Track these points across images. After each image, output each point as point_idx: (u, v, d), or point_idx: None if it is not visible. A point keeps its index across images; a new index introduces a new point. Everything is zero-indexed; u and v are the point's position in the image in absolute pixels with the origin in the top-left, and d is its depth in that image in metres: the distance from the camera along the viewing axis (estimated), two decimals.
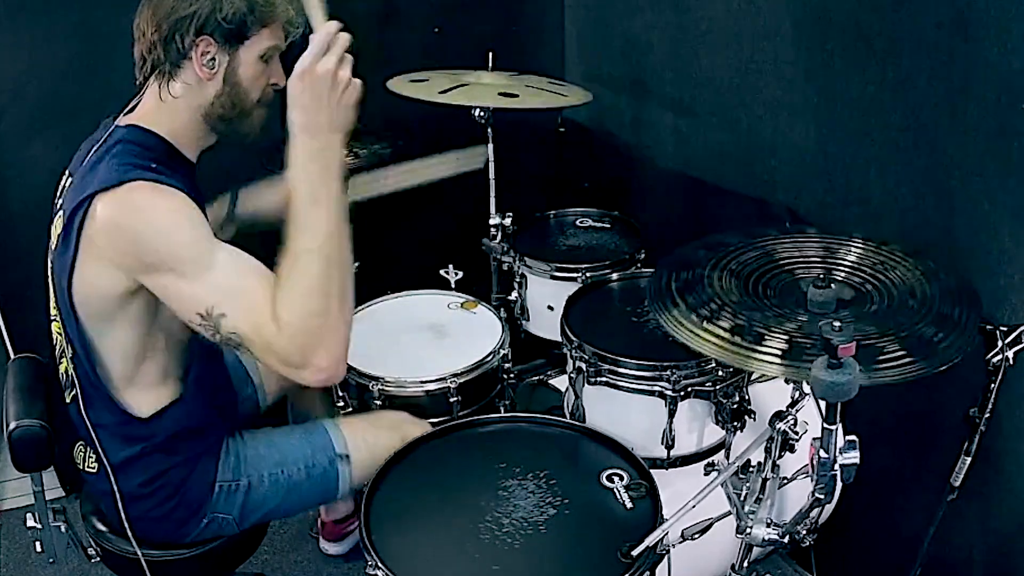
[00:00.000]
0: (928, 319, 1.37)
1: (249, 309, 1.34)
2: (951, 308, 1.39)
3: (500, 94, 2.16)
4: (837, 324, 1.11)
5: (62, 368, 1.56)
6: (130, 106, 1.53)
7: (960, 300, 1.41)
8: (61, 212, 1.44)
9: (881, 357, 1.28)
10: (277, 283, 1.34)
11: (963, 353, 1.30)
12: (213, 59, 1.45)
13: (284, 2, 1.49)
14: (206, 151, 1.58)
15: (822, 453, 1.21)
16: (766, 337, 1.33)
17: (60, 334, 1.52)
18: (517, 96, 2.17)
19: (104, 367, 1.49)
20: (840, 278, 1.49)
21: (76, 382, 1.51)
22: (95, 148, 1.47)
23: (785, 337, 1.33)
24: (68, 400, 1.57)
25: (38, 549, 1.62)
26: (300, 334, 1.32)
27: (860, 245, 1.57)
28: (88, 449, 1.57)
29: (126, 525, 1.56)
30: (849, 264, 1.53)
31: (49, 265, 1.51)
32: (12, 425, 1.51)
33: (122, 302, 1.42)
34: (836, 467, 1.22)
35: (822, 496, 1.26)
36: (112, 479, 1.54)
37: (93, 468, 1.58)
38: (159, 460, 1.56)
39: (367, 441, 1.73)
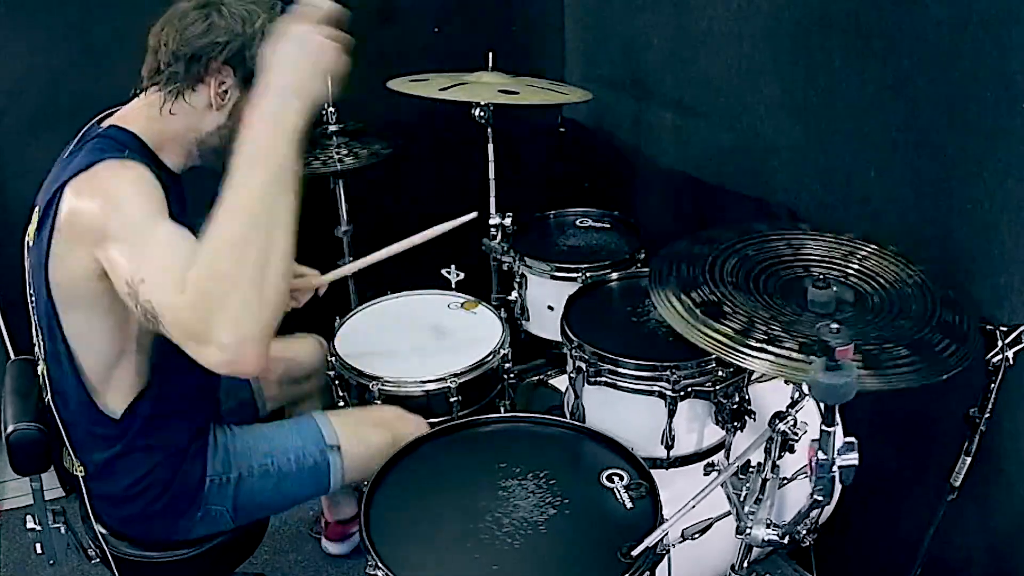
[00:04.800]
0: (937, 311, 1.40)
1: (162, 272, 1.27)
2: (950, 300, 1.42)
3: (500, 91, 2.16)
4: (835, 326, 1.11)
5: (40, 370, 1.56)
6: (118, 110, 1.54)
7: (949, 285, 1.46)
8: (37, 207, 1.45)
9: (937, 348, 1.30)
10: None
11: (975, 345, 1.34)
12: (227, 91, 1.47)
13: None
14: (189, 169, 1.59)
15: (821, 455, 1.21)
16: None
17: (39, 339, 1.52)
18: (517, 93, 2.17)
19: (80, 368, 1.48)
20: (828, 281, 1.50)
21: (52, 382, 1.51)
22: (70, 147, 1.48)
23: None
24: (48, 402, 1.57)
25: (38, 551, 1.62)
26: (202, 297, 1.21)
27: (820, 239, 1.58)
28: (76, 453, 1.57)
29: (97, 520, 1.56)
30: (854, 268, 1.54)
31: (27, 267, 1.51)
32: (9, 428, 1.51)
33: (95, 291, 1.40)
34: (835, 469, 1.22)
35: (821, 498, 1.26)
36: (82, 482, 1.54)
37: (81, 472, 1.58)
38: (141, 460, 1.56)
39: (359, 435, 1.73)
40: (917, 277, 1.49)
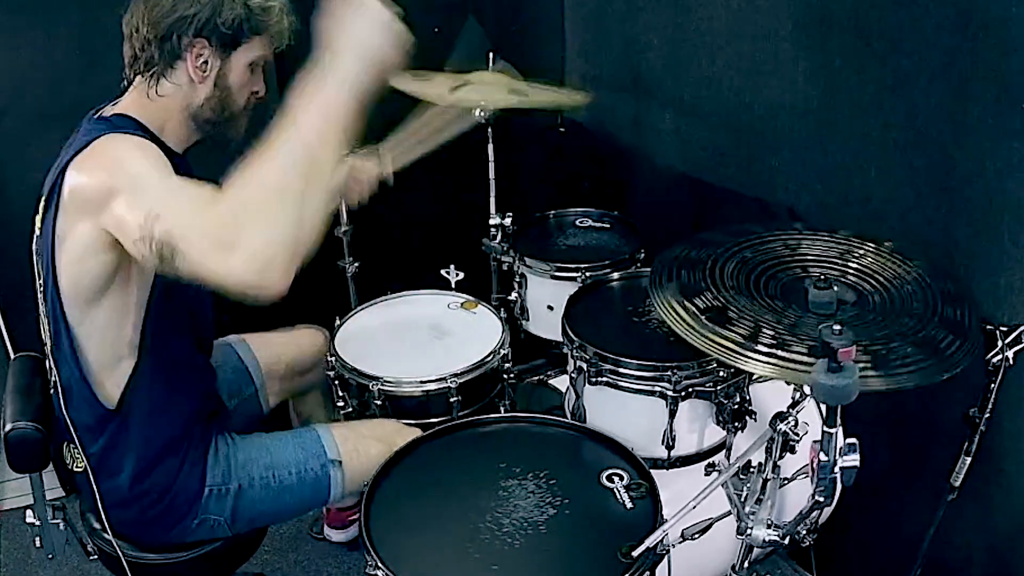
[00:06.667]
0: (938, 307, 1.40)
1: (185, 200, 1.26)
2: (950, 295, 1.41)
3: (511, 91, 2.15)
4: (837, 328, 1.11)
5: (47, 362, 1.57)
6: (115, 102, 1.54)
7: (948, 278, 1.47)
8: (42, 197, 1.46)
9: (942, 345, 1.31)
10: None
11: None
12: (206, 62, 1.49)
13: (278, 14, 1.54)
14: (191, 147, 1.60)
15: (822, 456, 1.21)
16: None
17: (47, 330, 1.53)
18: (527, 95, 2.17)
19: (84, 359, 1.49)
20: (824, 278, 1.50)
21: (57, 372, 1.51)
22: (75, 137, 1.48)
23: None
24: (52, 391, 1.58)
25: (37, 544, 1.62)
26: (240, 205, 1.19)
27: (816, 238, 1.59)
28: (75, 448, 1.58)
29: (104, 518, 1.57)
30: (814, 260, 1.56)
31: (35, 258, 1.52)
32: (8, 427, 1.51)
33: (99, 270, 1.41)
34: (836, 470, 1.22)
35: (822, 499, 1.26)
36: (91, 472, 1.55)
37: (80, 468, 1.58)
38: (141, 454, 1.55)
39: (359, 448, 1.73)
40: (915, 273, 1.49)
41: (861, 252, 1.56)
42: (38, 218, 1.48)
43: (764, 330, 1.38)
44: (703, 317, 1.42)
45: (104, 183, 1.34)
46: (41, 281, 1.49)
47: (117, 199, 1.32)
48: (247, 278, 1.17)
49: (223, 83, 1.51)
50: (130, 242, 1.30)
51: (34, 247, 1.52)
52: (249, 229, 1.17)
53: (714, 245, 1.63)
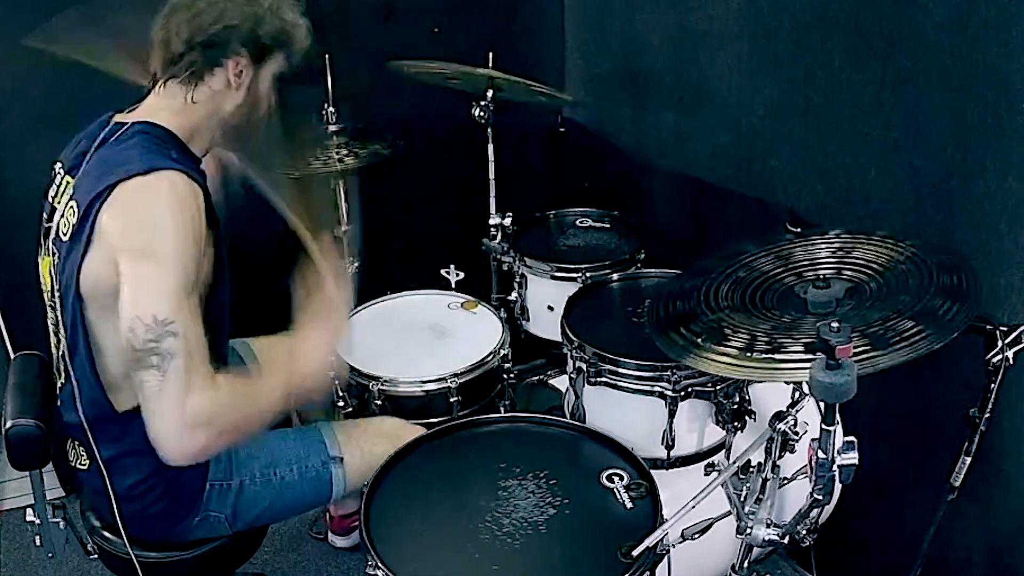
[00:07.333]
0: (935, 277, 1.39)
1: (196, 346, 1.37)
2: (946, 265, 1.41)
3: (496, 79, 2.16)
4: (835, 325, 1.11)
5: (56, 364, 1.57)
6: (135, 105, 1.54)
7: (944, 251, 1.45)
8: (74, 204, 1.44)
9: (940, 312, 1.31)
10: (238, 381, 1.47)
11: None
12: (242, 71, 1.51)
13: (303, 32, 1.56)
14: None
15: (820, 454, 1.21)
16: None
17: (60, 327, 1.52)
18: (519, 82, 2.17)
19: (100, 365, 1.49)
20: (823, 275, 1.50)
21: (72, 375, 1.51)
22: (104, 141, 1.47)
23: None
24: (59, 392, 1.58)
25: (37, 543, 1.62)
26: (224, 417, 1.41)
27: (807, 243, 1.58)
28: (79, 446, 1.58)
29: (119, 524, 1.57)
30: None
31: (50, 258, 1.50)
32: (8, 424, 1.52)
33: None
34: (835, 468, 1.22)
35: (821, 497, 1.27)
36: (104, 474, 1.54)
37: (84, 465, 1.58)
38: (146, 459, 1.55)
39: (361, 447, 1.73)
40: (909, 252, 1.47)
41: (852, 246, 1.55)
42: (63, 221, 1.46)
43: (760, 338, 1.37)
44: (699, 339, 1.42)
45: (147, 235, 1.38)
46: (59, 285, 1.48)
47: (148, 264, 1.37)
48: (178, 447, 1.39)
49: (255, 91, 1.54)
50: (134, 311, 1.36)
51: (49, 249, 1.51)
52: (214, 436, 1.40)
53: (707, 272, 1.62)
